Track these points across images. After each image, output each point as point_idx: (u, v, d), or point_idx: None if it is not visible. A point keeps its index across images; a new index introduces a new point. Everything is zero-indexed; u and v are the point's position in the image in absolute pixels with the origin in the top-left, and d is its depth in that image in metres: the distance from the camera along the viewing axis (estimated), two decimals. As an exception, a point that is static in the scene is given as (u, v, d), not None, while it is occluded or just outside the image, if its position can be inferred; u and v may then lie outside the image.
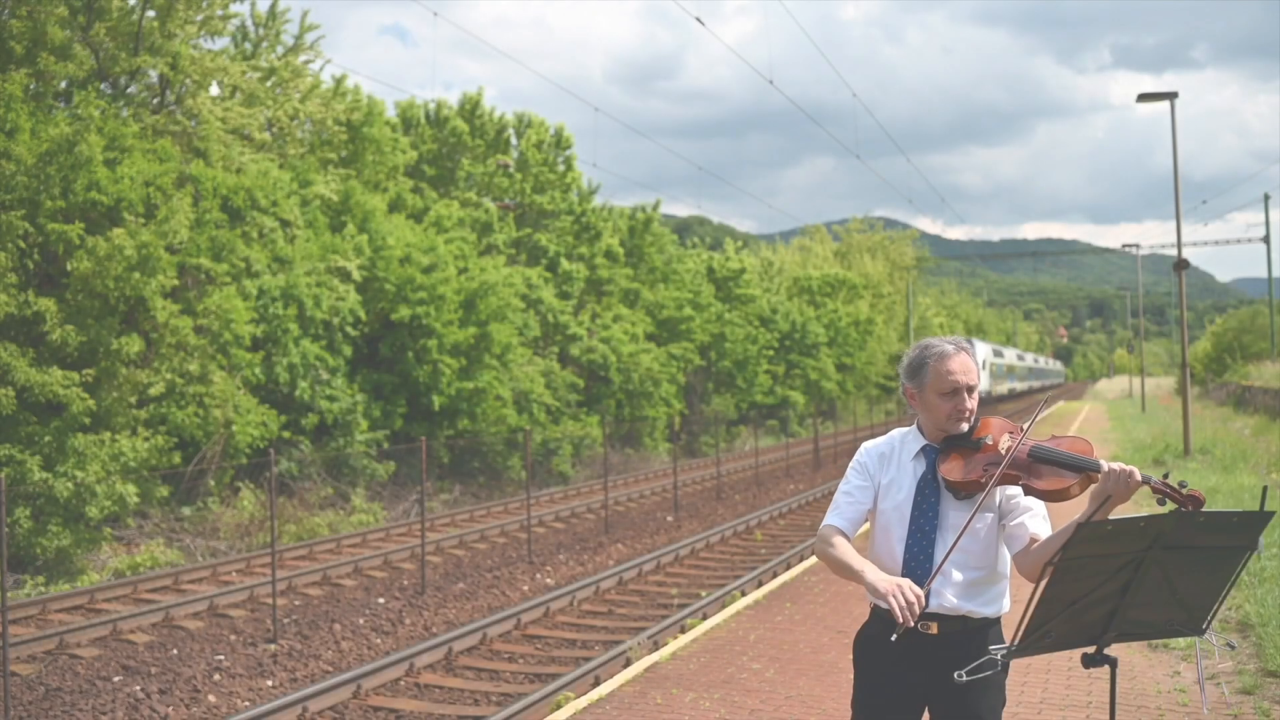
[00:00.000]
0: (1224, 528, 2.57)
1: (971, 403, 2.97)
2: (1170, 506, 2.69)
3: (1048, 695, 5.95)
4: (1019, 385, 71.26)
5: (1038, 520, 2.88)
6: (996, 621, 2.99)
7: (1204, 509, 2.66)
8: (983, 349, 49.15)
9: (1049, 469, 2.82)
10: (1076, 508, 2.77)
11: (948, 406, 2.96)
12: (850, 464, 3.13)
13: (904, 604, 2.62)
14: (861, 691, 3.05)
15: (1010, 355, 70.55)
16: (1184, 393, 21.57)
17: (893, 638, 2.69)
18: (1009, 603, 3.03)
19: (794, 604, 8.88)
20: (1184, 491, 2.68)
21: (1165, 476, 2.73)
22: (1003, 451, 2.87)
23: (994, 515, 2.93)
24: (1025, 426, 2.98)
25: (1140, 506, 12.03)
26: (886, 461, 3.07)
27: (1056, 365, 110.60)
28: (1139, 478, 2.66)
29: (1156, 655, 6.70)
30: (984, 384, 45.97)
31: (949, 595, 2.89)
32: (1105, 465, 2.70)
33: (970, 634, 2.91)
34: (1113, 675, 2.80)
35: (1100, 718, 5.51)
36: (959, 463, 2.94)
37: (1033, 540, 2.85)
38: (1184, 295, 21.93)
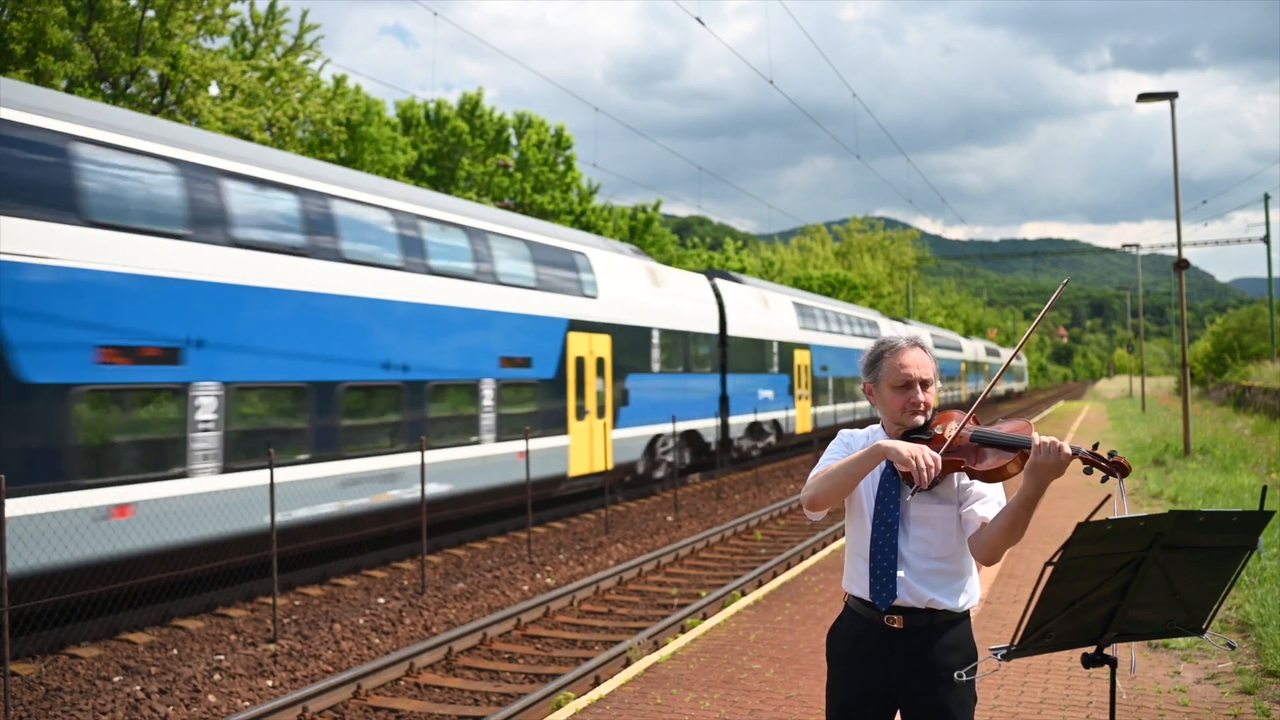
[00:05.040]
0: (1224, 528, 2.58)
1: (926, 396, 3.03)
2: (1099, 475, 2.75)
3: (1048, 695, 5.95)
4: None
5: (990, 505, 2.94)
6: (965, 616, 3.01)
7: (1129, 473, 2.74)
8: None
9: (988, 450, 2.88)
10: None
11: (901, 400, 3.03)
12: (831, 442, 3.19)
13: (924, 466, 2.80)
14: (834, 685, 3.09)
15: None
16: (1184, 393, 21.58)
17: (908, 496, 2.93)
18: (978, 597, 3.06)
19: (794, 604, 8.89)
20: (1110, 459, 2.72)
21: (1095, 447, 2.78)
22: (947, 438, 2.93)
23: (954, 505, 2.98)
24: (970, 410, 3.03)
25: (1140, 506, 11.95)
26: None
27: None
28: (1068, 450, 2.70)
29: (1156, 655, 6.70)
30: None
31: (913, 584, 2.93)
32: (1036, 440, 2.75)
33: (937, 629, 2.94)
34: (1113, 675, 2.81)
35: (1100, 718, 5.51)
36: None
37: (983, 523, 2.91)
38: (1184, 295, 21.94)
